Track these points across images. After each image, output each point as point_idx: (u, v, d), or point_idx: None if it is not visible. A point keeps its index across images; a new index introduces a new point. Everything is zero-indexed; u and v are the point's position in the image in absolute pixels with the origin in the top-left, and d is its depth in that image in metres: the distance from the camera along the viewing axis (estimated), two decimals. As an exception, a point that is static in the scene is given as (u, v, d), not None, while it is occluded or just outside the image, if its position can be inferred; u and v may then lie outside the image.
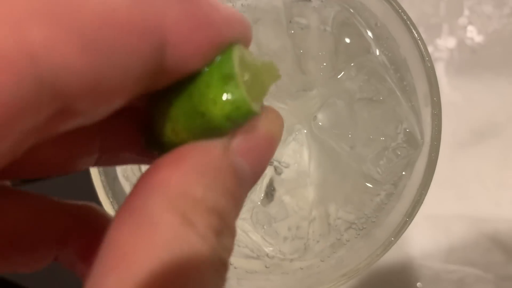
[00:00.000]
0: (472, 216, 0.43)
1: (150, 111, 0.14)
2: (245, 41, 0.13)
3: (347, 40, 0.27)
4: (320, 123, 0.25)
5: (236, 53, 0.12)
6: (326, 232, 0.27)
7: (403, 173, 0.25)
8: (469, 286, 0.42)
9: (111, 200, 0.25)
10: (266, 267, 0.26)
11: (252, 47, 0.14)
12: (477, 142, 0.43)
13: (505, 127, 0.43)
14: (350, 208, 0.27)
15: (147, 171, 0.12)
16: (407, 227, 0.22)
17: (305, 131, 0.26)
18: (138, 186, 0.12)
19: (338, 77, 0.26)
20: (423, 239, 0.43)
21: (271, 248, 0.26)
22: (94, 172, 0.26)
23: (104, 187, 0.25)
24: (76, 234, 0.15)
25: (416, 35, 0.23)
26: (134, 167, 0.28)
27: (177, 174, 0.11)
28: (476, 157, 0.43)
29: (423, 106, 0.24)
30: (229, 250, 0.12)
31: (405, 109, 0.24)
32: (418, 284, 0.42)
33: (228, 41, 0.12)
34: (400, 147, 0.24)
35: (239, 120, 0.12)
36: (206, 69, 0.12)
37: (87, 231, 0.15)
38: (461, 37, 0.44)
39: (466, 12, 0.44)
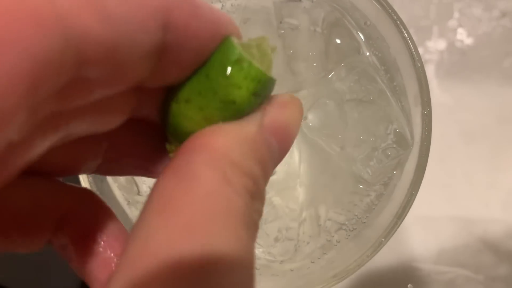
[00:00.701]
0: (462, 217, 0.43)
1: (174, 122, 0.15)
2: (236, 36, 0.14)
3: (338, 41, 0.27)
4: (310, 124, 0.25)
5: (234, 40, 0.14)
6: (316, 234, 0.27)
7: (394, 173, 0.25)
8: (460, 287, 0.42)
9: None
10: (256, 268, 0.26)
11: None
12: (467, 143, 0.44)
13: (494, 128, 0.43)
14: (340, 209, 0.27)
15: (190, 140, 0.13)
16: (397, 228, 0.22)
17: (295, 131, 0.26)
18: (181, 151, 0.13)
19: (328, 77, 0.26)
20: (414, 240, 0.43)
21: (260, 250, 0.26)
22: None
23: (91, 187, 0.25)
24: (72, 217, 0.15)
25: (406, 35, 0.23)
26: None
27: (219, 140, 0.13)
28: (465, 158, 0.43)
29: (413, 106, 0.24)
30: (259, 213, 0.13)
31: (395, 109, 0.24)
32: (409, 285, 0.42)
33: (222, 32, 0.14)
34: (390, 147, 0.24)
35: (263, 92, 0.14)
36: (212, 62, 0.14)
37: (83, 215, 0.16)
38: (451, 39, 0.44)
39: (456, 15, 0.44)
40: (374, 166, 0.25)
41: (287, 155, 0.24)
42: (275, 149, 0.14)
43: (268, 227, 0.26)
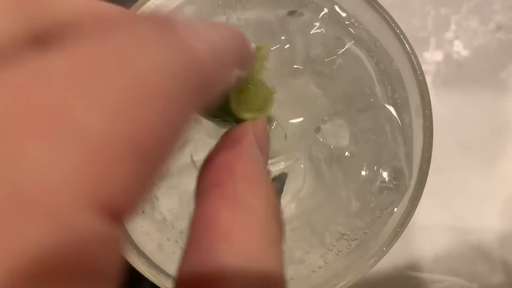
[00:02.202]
0: (457, 226, 0.44)
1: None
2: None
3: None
4: (321, 139, 0.26)
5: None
6: (317, 243, 0.27)
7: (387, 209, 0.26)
8: (455, 296, 0.42)
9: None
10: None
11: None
12: (463, 153, 0.44)
13: (490, 139, 0.44)
14: (341, 222, 0.27)
15: (224, 168, 0.14)
16: (398, 237, 0.23)
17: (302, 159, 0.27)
18: (222, 178, 0.14)
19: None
20: (408, 249, 0.44)
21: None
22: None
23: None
24: None
25: (408, 48, 0.23)
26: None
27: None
28: (461, 168, 0.44)
29: (415, 119, 0.24)
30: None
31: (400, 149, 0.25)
32: (405, 293, 0.43)
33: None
34: (387, 186, 0.25)
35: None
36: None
37: None
38: (448, 51, 0.45)
39: (453, 27, 0.45)
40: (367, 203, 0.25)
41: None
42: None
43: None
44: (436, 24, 0.45)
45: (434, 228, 0.44)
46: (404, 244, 0.44)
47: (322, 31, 0.27)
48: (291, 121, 0.26)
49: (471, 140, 0.44)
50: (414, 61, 0.23)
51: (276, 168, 0.26)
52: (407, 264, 0.44)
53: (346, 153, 0.26)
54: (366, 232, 0.26)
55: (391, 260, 0.44)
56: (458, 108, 0.44)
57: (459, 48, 0.45)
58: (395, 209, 0.24)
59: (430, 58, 0.45)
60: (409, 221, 0.23)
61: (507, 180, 0.44)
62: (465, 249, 0.44)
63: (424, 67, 0.45)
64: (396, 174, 0.25)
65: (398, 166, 0.25)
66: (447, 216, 0.44)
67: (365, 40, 0.26)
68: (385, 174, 0.26)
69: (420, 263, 0.44)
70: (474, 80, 0.45)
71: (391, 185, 0.26)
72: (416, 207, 0.23)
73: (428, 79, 0.45)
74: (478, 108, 0.44)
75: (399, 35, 0.23)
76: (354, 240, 0.26)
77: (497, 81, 0.44)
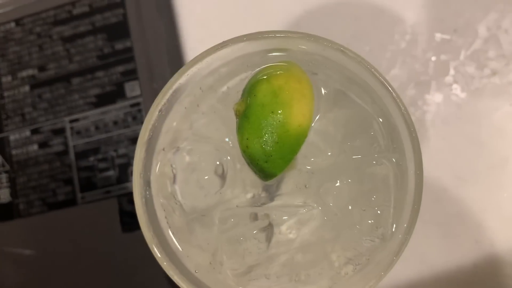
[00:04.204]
0: (454, 252, 0.48)
1: None
2: None
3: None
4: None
5: None
6: (326, 267, 0.32)
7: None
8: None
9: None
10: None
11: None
12: (460, 186, 0.48)
13: (484, 174, 0.48)
14: (347, 247, 0.32)
15: None
16: (395, 263, 0.27)
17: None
18: None
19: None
20: (408, 272, 0.48)
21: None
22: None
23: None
24: None
25: (402, 107, 0.28)
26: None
27: None
28: (458, 199, 0.48)
29: (409, 161, 0.29)
30: None
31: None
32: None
33: None
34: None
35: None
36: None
37: None
38: (447, 93, 0.49)
39: (452, 72, 0.50)
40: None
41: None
42: None
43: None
44: (436, 69, 0.50)
45: (433, 254, 0.48)
46: (403, 267, 0.48)
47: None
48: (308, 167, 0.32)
49: (466, 174, 0.48)
50: (408, 120, 0.28)
51: (293, 218, 0.32)
52: (407, 285, 0.48)
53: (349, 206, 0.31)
54: (368, 259, 0.30)
55: (391, 282, 0.48)
56: (455, 145, 0.49)
57: (457, 91, 0.50)
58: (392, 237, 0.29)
59: (431, 99, 0.50)
60: (404, 249, 0.28)
61: (501, 211, 0.48)
62: (460, 276, 0.48)
63: (425, 108, 0.50)
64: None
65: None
66: (445, 243, 0.48)
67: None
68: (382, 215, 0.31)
69: (420, 287, 0.48)
70: (470, 120, 0.49)
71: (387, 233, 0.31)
72: (410, 236, 0.28)
73: (429, 118, 0.50)
74: (474, 146, 0.49)
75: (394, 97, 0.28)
76: (358, 265, 0.31)
77: (491, 121, 0.49)
